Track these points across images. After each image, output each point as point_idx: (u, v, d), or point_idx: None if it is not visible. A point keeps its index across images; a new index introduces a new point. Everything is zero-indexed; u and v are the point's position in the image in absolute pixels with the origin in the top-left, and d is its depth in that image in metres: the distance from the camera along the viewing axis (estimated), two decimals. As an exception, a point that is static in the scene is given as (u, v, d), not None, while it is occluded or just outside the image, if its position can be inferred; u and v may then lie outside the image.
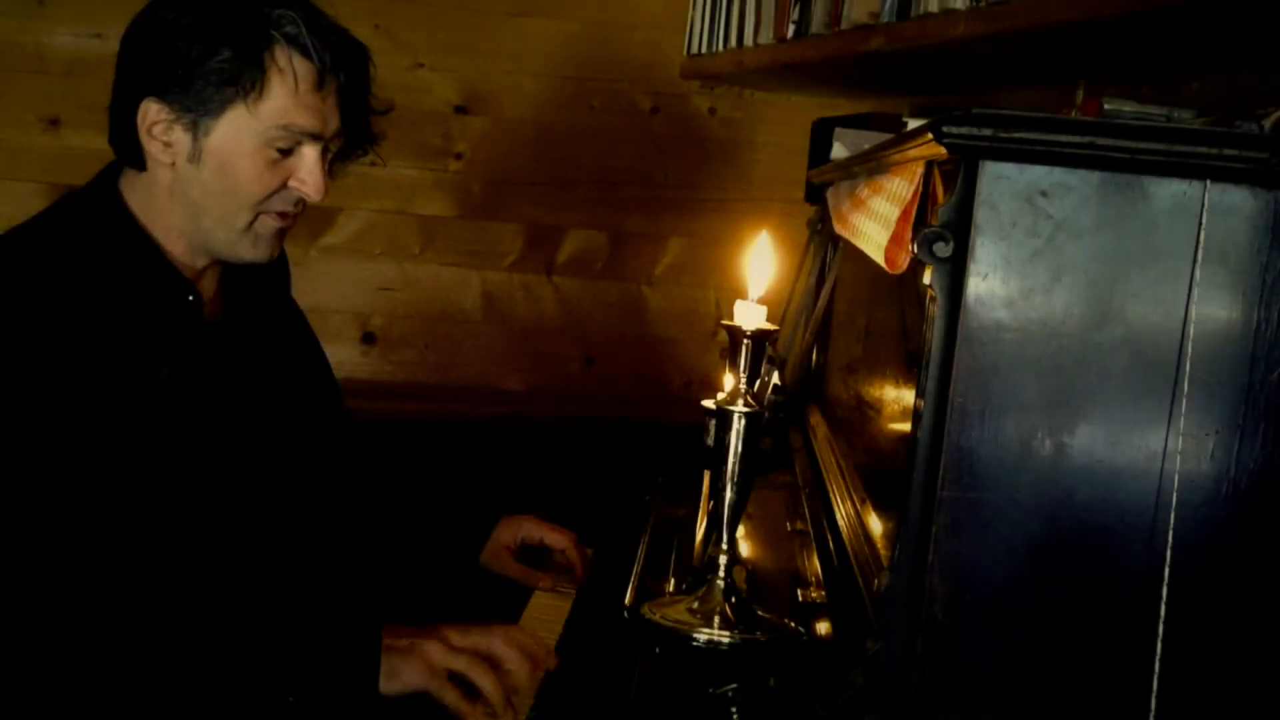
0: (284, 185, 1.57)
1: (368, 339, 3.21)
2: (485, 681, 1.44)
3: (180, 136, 1.54)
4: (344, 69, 1.58)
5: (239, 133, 1.53)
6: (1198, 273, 1.03)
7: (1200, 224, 1.02)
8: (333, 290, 3.17)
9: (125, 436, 1.48)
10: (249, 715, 1.42)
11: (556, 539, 1.89)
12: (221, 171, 1.55)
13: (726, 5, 2.84)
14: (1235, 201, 1.02)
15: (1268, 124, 1.08)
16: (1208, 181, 1.02)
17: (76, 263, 1.53)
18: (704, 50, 2.97)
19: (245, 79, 1.51)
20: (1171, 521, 1.04)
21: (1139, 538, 1.04)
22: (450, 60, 3.17)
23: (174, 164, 1.55)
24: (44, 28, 2.98)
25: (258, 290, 1.73)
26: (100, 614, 1.42)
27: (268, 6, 1.53)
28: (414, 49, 3.14)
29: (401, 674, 1.44)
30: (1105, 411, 1.04)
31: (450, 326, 3.24)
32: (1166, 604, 1.03)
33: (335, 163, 1.65)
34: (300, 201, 1.60)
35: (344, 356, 3.18)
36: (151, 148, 1.55)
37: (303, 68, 1.54)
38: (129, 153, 1.58)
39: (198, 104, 1.52)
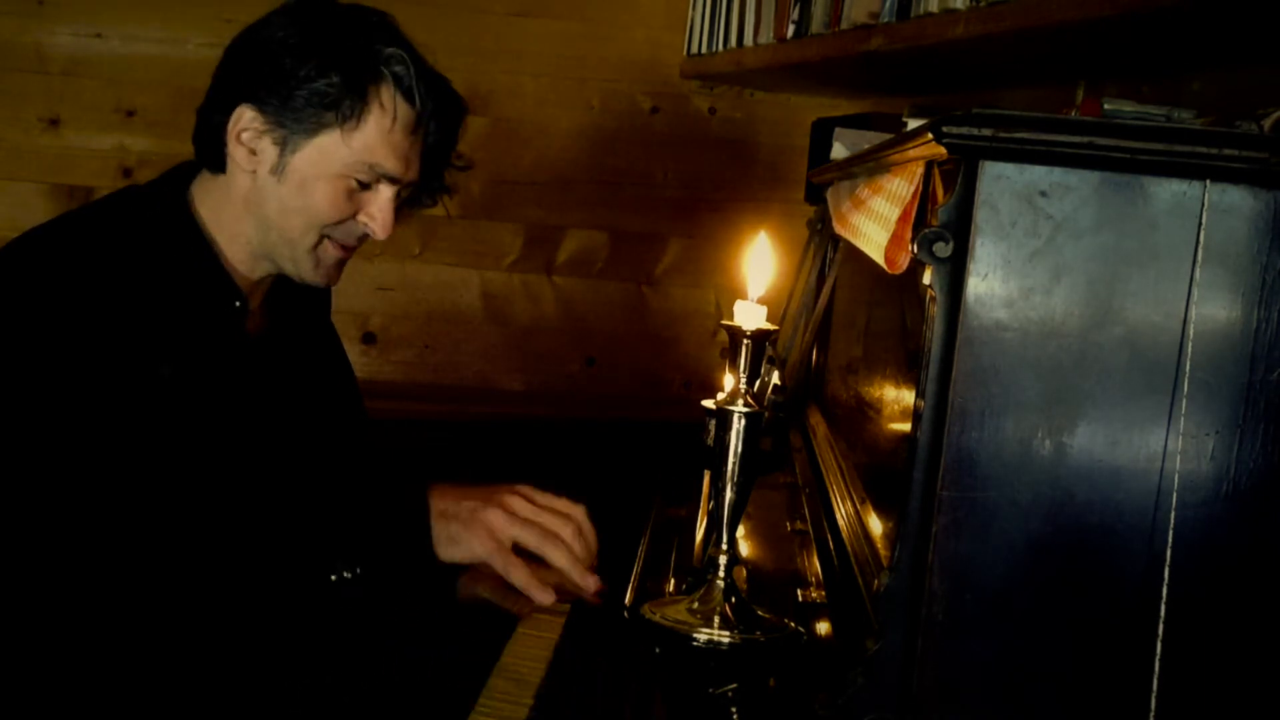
0: (353, 216, 1.61)
1: (368, 339, 3.22)
2: (558, 556, 1.39)
3: (268, 147, 1.57)
4: (440, 119, 1.63)
5: (325, 157, 1.56)
6: (1198, 273, 1.03)
7: (1200, 224, 1.02)
8: (333, 290, 3.17)
9: (154, 421, 1.49)
10: (296, 600, 1.40)
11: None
12: (300, 190, 1.57)
13: (726, 5, 2.84)
14: (1235, 201, 1.02)
15: (1268, 124, 1.08)
16: (1208, 181, 1.02)
17: (124, 253, 1.54)
18: (704, 50, 2.97)
19: (346, 107, 1.55)
20: (1171, 521, 1.04)
21: (1139, 538, 1.04)
22: (450, 60, 3.15)
23: (255, 172, 1.58)
24: (44, 28, 2.98)
25: (299, 310, 1.76)
26: (111, 575, 1.41)
27: (379, 43, 1.58)
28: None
29: (461, 540, 1.40)
30: (1105, 411, 1.04)
31: (450, 326, 3.25)
32: (1166, 604, 1.03)
33: (404, 207, 1.68)
34: (364, 236, 1.64)
35: (344, 356, 3.18)
36: (237, 153, 1.58)
37: (403, 110, 1.58)
38: (211, 154, 1.60)
39: (293, 120, 1.55)
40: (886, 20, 2.06)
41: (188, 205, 1.62)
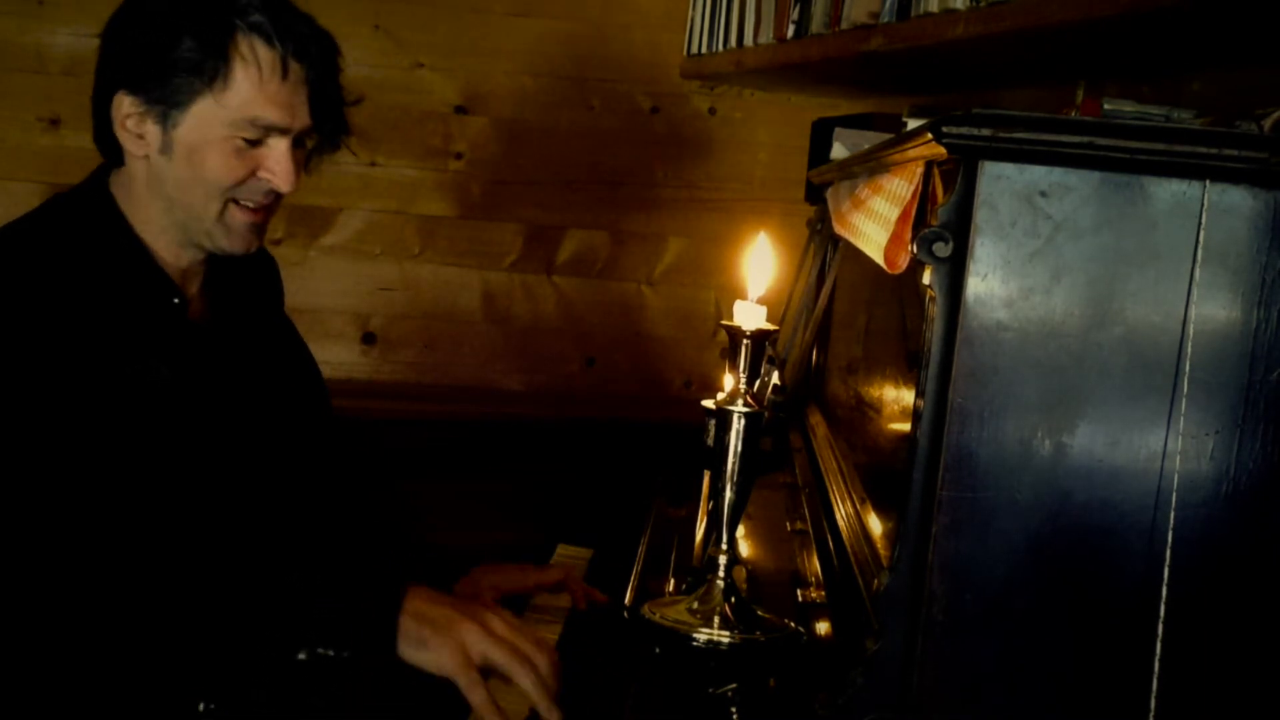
0: (254, 175, 1.57)
1: (368, 339, 3.21)
2: (526, 679, 1.34)
3: (151, 128, 1.55)
4: (309, 57, 1.57)
5: (205, 123, 1.54)
6: (1198, 273, 1.03)
7: (1200, 224, 1.02)
8: (333, 290, 3.17)
9: (108, 430, 1.48)
10: (251, 675, 1.39)
11: (549, 575, 1.72)
12: (189, 162, 1.55)
13: (726, 5, 2.84)
14: (1235, 201, 1.02)
15: (1268, 124, 1.08)
16: (1208, 181, 1.02)
17: (64, 261, 1.53)
18: (704, 50, 2.97)
19: (209, 68, 1.52)
20: (1171, 521, 1.04)
21: (1139, 538, 1.04)
22: (450, 60, 3.17)
23: (147, 156, 1.56)
24: (44, 28, 2.98)
25: (242, 294, 1.73)
26: (91, 595, 1.41)
27: None
28: (414, 49, 3.14)
29: (430, 646, 1.36)
30: (1105, 411, 1.04)
31: (450, 326, 3.24)
32: (1166, 604, 1.03)
33: (314, 155, 1.65)
34: (272, 193, 1.60)
35: (344, 356, 3.18)
36: (126, 141, 1.56)
37: (266, 56, 1.53)
38: (108, 149, 1.59)
39: (166, 95, 1.53)
40: (886, 20, 2.06)
41: (114, 205, 1.60)
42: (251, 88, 1.53)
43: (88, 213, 1.60)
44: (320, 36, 1.60)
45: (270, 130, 1.56)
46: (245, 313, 1.74)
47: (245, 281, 1.74)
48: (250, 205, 1.60)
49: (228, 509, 1.60)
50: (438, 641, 1.36)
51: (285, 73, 1.55)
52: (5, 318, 1.46)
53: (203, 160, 1.55)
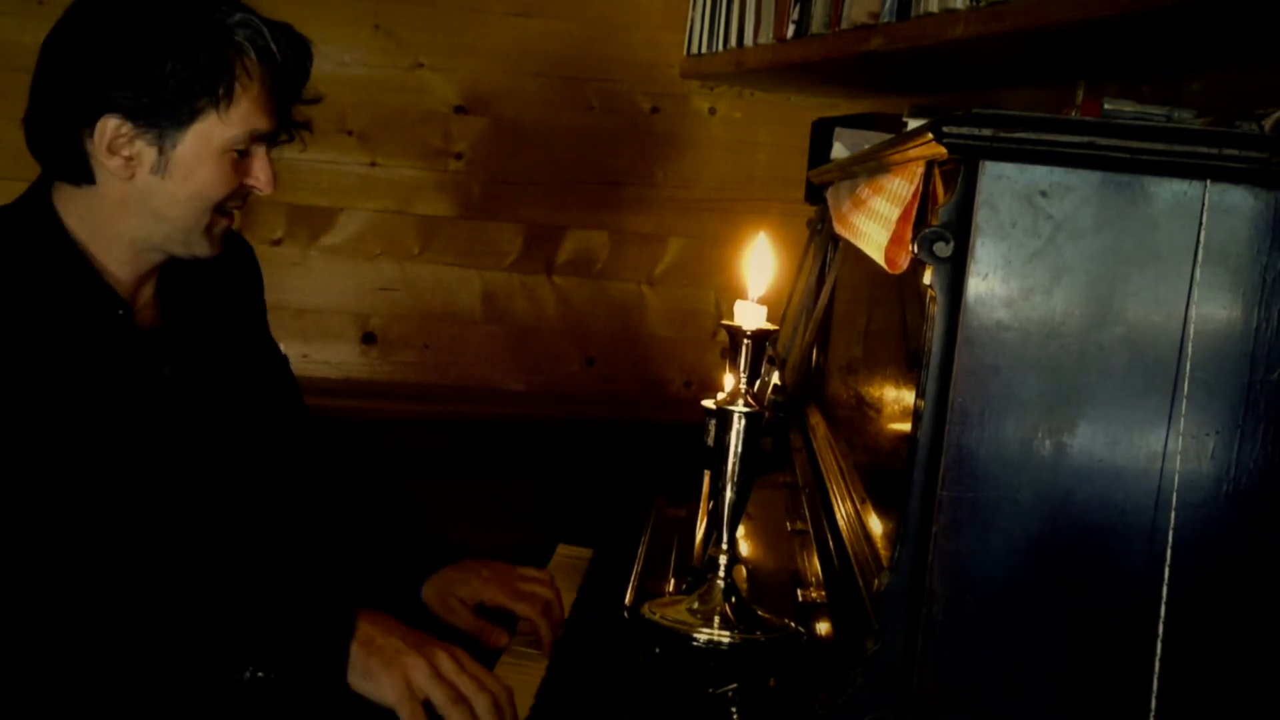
0: (239, 183, 1.59)
1: (368, 339, 3.21)
2: None
3: (144, 149, 1.53)
4: (298, 69, 1.60)
5: (207, 140, 1.54)
6: (1198, 273, 1.03)
7: (1200, 224, 1.02)
8: (333, 290, 3.17)
9: (52, 444, 1.47)
10: (200, 690, 1.38)
11: (523, 609, 1.63)
12: (187, 179, 1.54)
13: (726, 5, 2.84)
14: (1235, 201, 1.02)
15: (1268, 124, 1.08)
16: (1208, 181, 1.02)
17: (5, 276, 1.51)
18: (704, 50, 2.97)
19: (216, 88, 1.52)
20: (1171, 521, 1.04)
21: (1139, 538, 1.04)
22: (450, 60, 3.17)
23: (133, 176, 1.54)
24: (44, 28, 2.97)
25: (200, 295, 1.71)
26: (36, 606, 1.40)
27: (219, 13, 1.53)
28: (414, 49, 3.14)
29: (375, 677, 1.36)
30: (1105, 411, 1.04)
31: (450, 326, 3.24)
32: (1166, 604, 1.03)
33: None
34: (247, 195, 1.62)
35: (344, 356, 3.18)
36: (110, 164, 1.53)
37: (265, 72, 1.55)
38: (71, 169, 1.56)
39: (165, 116, 1.51)
40: (886, 20, 2.06)
41: (57, 219, 1.58)
42: (250, 101, 1.54)
43: (28, 228, 1.57)
44: (303, 46, 1.61)
45: (258, 138, 1.58)
46: (202, 315, 1.71)
47: (205, 280, 1.71)
48: (232, 211, 1.62)
49: (181, 517, 1.58)
50: (383, 674, 1.36)
51: (274, 83, 1.57)
52: None
53: (200, 176, 1.55)
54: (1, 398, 1.44)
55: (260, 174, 1.59)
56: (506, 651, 1.58)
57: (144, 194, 1.55)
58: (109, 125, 1.51)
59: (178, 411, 1.62)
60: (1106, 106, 1.31)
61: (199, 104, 1.51)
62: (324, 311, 3.17)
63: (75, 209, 1.58)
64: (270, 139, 1.61)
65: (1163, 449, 1.04)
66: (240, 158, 1.57)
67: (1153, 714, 1.04)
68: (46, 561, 1.43)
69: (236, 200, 1.61)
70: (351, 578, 1.69)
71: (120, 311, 1.59)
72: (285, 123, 1.64)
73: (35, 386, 1.47)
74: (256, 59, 1.54)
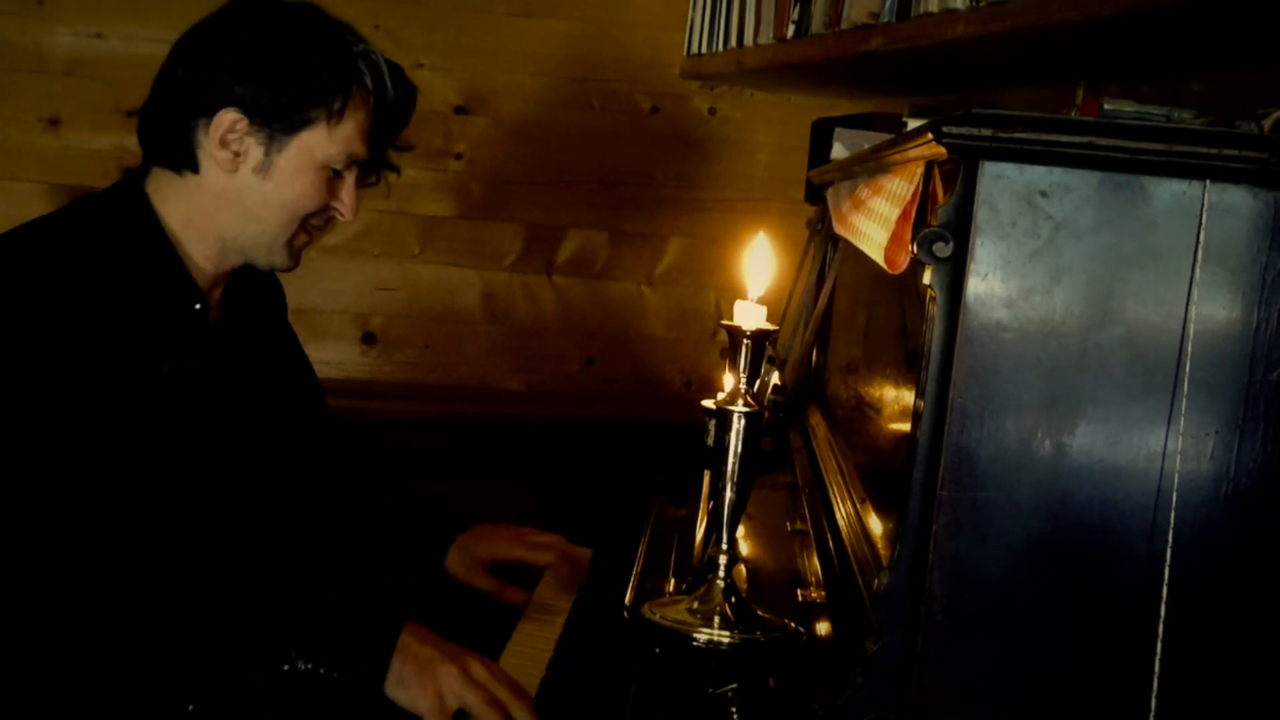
0: (326, 204, 1.65)
1: (368, 339, 3.21)
2: None
3: (253, 147, 1.59)
4: (402, 109, 1.69)
5: (310, 152, 1.60)
6: (1198, 273, 1.03)
7: (1200, 224, 1.02)
8: (333, 290, 3.17)
9: (119, 429, 1.50)
10: (241, 679, 1.40)
11: (539, 555, 1.81)
12: (285, 185, 1.60)
13: (726, 5, 2.84)
14: (1235, 201, 1.02)
15: (1268, 124, 1.08)
16: (1208, 181, 1.02)
17: (89, 261, 1.54)
18: (704, 50, 2.97)
19: (334, 101, 1.59)
20: (1171, 521, 1.04)
21: (1139, 538, 1.04)
22: (450, 60, 3.16)
23: (236, 171, 1.59)
24: (44, 28, 2.98)
25: (253, 302, 1.77)
26: (94, 592, 1.42)
27: (349, 38, 1.62)
28: (414, 49, 3.13)
29: (409, 685, 1.39)
30: (1105, 411, 1.04)
31: (450, 326, 3.24)
32: (1166, 604, 1.03)
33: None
34: (332, 220, 1.68)
35: (344, 356, 3.18)
36: (218, 155, 1.59)
37: (376, 100, 1.63)
38: (180, 156, 1.61)
39: (280, 120, 1.58)
40: (886, 20, 2.07)
41: (149, 208, 1.62)
42: (356, 124, 1.62)
43: (120, 214, 1.62)
44: (409, 86, 1.70)
45: (353, 163, 1.64)
46: (256, 319, 1.78)
47: (256, 290, 1.78)
48: (313, 230, 1.67)
49: (233, 510, 1.62)
50: (417, 681, 1.39)
51: (379, 115, 1.64)
52: (25, 314, 1.47)
53: (297, 185, 1.60)
54: (76, 375, 1.47)
55: (346, 198, 1.66)
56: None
57: (242, 191, 1.60)
58: (226, 118, 1.57)
59: (235, 406, 1.67)
60: (1106, 106, 1.31)
61: (311, 114, 1.58)
62: (324, 311, 3.16)
63: (172, 196, 1.62)
64: (363, 168, 1.67)
65: (1162, 449, 1.04)
66: (334, 178, 1.63)
67: (1153, 714, 1.04)
68: (105, 540, 1.46)
69: (320, 219, 1.67)
70: (385, 556, 1.83)
71: (198, 305, 1.63)
72: (378, 158, 1.71)
73: (109, 366, 1.50)
74: (370, 87, 1.62)
